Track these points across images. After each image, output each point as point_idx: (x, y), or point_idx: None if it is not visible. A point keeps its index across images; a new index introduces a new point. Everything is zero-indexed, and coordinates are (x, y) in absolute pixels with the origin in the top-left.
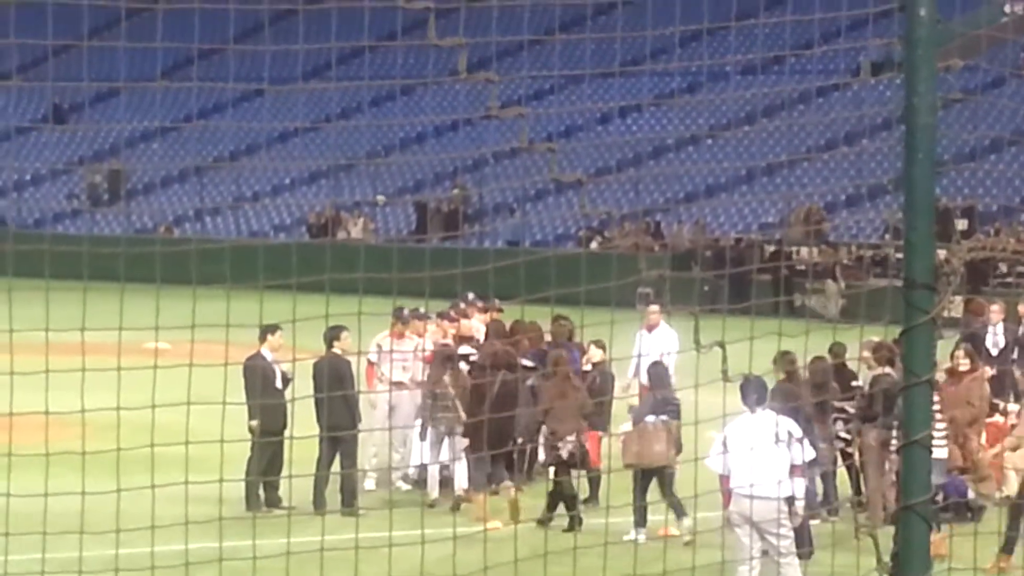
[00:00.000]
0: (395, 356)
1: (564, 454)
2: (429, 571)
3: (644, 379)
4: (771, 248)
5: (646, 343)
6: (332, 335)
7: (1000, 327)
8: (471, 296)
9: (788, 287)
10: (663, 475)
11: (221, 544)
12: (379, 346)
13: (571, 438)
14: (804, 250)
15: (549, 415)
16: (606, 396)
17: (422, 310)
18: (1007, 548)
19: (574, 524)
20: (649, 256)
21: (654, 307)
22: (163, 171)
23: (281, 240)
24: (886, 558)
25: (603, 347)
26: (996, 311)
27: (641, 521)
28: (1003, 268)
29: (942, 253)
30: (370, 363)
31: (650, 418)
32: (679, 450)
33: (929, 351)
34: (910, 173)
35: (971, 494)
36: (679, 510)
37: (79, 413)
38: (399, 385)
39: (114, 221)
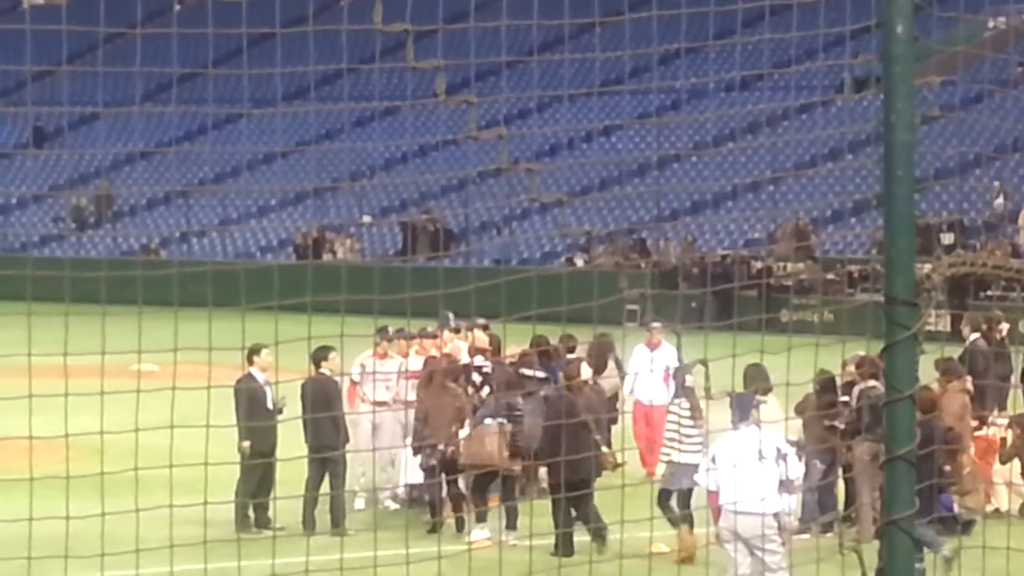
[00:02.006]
0: (378, 376)
1: (434, 461)
2: None
3: (639, 395)
4: (758, 264)
5: (647, 360)
6: (320, 355)
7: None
8: (451, 316)
9: (775, 303)
10: (502, 479)
11: (206, 566)
12: (363, 366)
13: (441, 446)
14: (796, 266)
15: (426, 423)
16: (599, 413)
17: (407, 330)
18: None
19: (435, 528)
20: (631, 274)
21: (656, 325)
22: (148, 194)
23: (266, 261)
24: (871, 574)
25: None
26: (967, 325)
27: (481, 518)
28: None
29: (926, 268)
30: (352, 383)
31: (488, 420)
32: (517, 455)
33: (911, 366)
34: (890, 190)
35: (956, 508)
36: (511, 518)
37: (64, 437)
38: (382, 405)
39: (100, 244)
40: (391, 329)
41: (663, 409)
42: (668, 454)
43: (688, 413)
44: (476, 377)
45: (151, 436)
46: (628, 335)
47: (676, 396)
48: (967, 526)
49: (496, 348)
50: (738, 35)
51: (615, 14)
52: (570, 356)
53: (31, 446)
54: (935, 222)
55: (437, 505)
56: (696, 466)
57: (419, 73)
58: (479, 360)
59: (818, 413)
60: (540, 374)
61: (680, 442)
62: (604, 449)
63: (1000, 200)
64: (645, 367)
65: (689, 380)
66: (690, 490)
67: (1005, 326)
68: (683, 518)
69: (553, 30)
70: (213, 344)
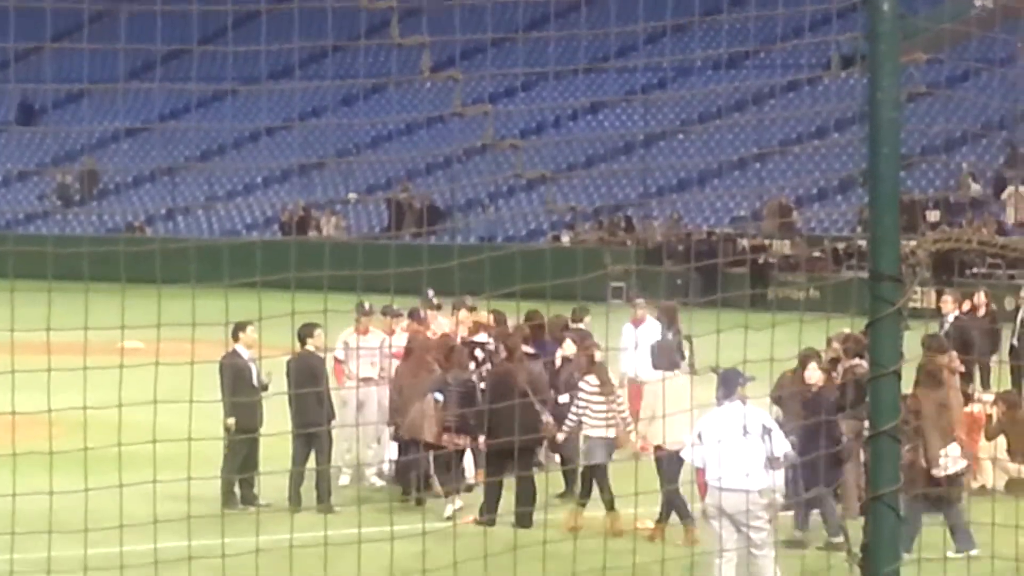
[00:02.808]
0: (362, 352)
1: (403, 435)
2: (400, 567)
3: (627, 372)
4: (744, 241)
5: (632, 337)
6: (305, 332)
7: (951, 318)
8: (431, 292)
9: (763, 280)
10: (435, 453)
11: (190, 542)
12: (346, 343)
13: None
14: (783, 243)
15: (401, 396)
16: (542, 386)
17: (395, 307)
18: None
19: (421, 502)
20: (615, 251)
21: (640, 301)
22: (134, 171)
23: (251, 238)
24: (856, 549)
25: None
26: (949, 301)
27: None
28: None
29: (911, 244)
30: (337, 360)
31: (430, 394)
32: (452, 430)
33: (896, 342)
34: (875, 167)
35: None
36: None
37: (47, 412)
38: (367, 381)
39: (85, 221)
40: (367, 304)
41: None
42: (570, 427)
43: (597, 388)
44: (479, 353)
45: (135, 412)
46: (613, 312)
47: (586, 372)
48: None
49: (502, 323)
50: (724, 13)
51: None
52: (579, 326)
53: (14, 422)
54: (920, 199)
55: (414, 479)
56: (606, 439)
57: (405, 51)
58: (482, 336)
59: (797, 390)
60: (529, 349)
61: (590, 417)
62: (545, 419)
63: (976, 185)
64: (630, 344)
65: (599, 356)
66: (599, 465)
67: (980, 299)
68: (582, 493)
69: (539, 7)
70: (197, 321)
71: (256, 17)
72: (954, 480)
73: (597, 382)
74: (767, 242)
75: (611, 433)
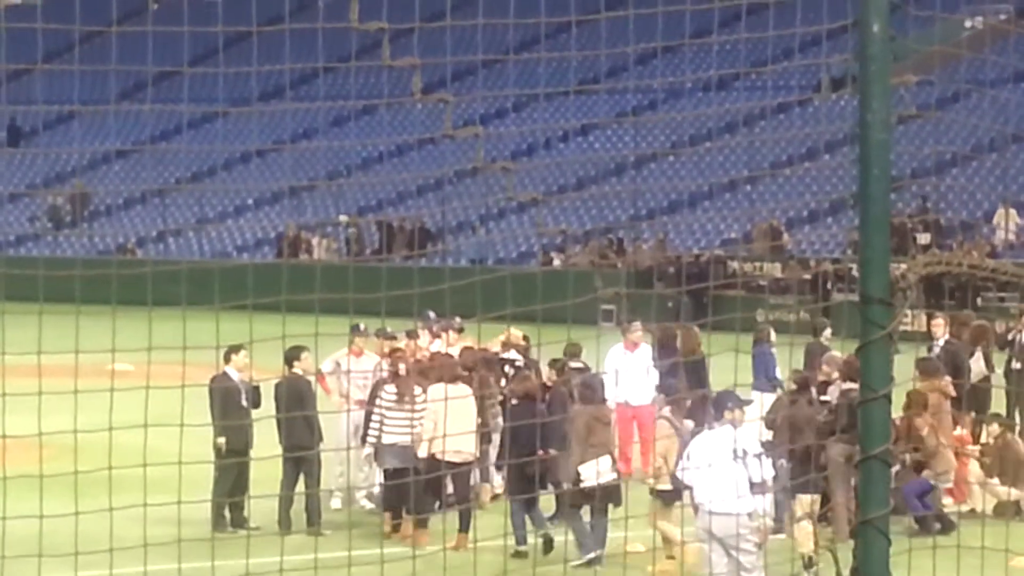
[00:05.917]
0: (354, 374)
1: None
2: None
3: (623, 397)
4: (734, 264)
5: (625, 361)
6: (292, 355)
7: (942, 342)
8: (432, 315)
9: (750, 302)
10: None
11: (180, 565)
12: (337, 363)
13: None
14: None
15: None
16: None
17: (389, 329)
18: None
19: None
20: (605, 273)
21: (636, 325)
22: (125, 193)
23: (242, 260)
24: (845, 572)
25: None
26: (939, 325)
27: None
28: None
29: (901, 267)
30: (321, 375)
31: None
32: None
33: (886, 365)
34: (865, 189)
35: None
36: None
37: (37, 436)
38: (359, 403)
39: (76, 243)
40: (363, 326)
41: (650, 409)
42: (375, 436)
43: (394, 398)
44: (508, 370)
45: (125, 435)
46: (603, 335)
47: (387, 383)
48: (947, 526)
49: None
50: (715, 34)
51: (591, 13)
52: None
53: (4, 445)
54: (911, 222)
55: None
56: (402, 446)
57: (395, 72)
58: (513, 354)
59: (790, 413)
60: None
61: (384, 424)
62: None
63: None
64: (625, 368)
65: (402, 368)
66: (396, 470)
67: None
68: (384, 500)
69: (530, 29)
70: (188, 344)
71: (247, 38)
72: (609, 493)
73: (395, 392)
74: (757, 264)
75: (404, 441)
